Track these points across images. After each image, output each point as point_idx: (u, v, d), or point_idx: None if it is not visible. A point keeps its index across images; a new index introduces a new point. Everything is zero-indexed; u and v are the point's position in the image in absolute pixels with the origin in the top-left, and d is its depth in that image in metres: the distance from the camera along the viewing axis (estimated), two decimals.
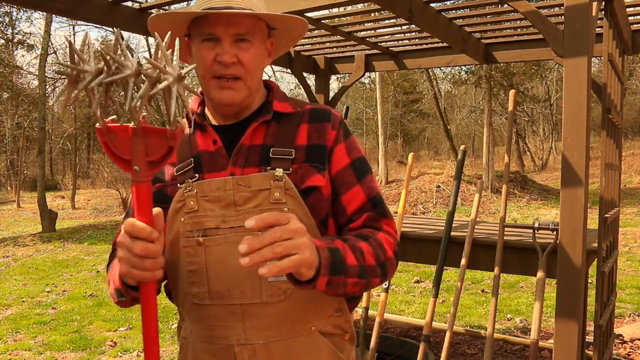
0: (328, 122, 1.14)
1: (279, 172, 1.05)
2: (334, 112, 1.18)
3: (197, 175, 1.10)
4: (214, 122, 1.17)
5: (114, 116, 0.86)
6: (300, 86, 5.04)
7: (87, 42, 0.78)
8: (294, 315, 1.07)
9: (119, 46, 0.78)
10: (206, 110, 1.18)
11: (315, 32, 3.74)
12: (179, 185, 1.10)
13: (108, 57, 0.77)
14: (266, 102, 1.16)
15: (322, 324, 1.11)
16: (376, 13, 3.55)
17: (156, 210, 0.88)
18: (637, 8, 3.05)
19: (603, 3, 2.42)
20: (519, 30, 3.73)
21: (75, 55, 0.77)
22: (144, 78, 0.79)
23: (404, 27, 4.02)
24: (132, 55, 0.78)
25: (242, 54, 1.06)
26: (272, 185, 1.05)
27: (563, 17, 2.25)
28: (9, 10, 15.18)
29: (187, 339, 1.16)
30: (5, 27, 16.02)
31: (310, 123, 1.14)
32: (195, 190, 1.07)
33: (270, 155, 1.08)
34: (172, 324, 4.80)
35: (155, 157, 0.84)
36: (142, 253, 0.86)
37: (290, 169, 1.07)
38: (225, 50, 1.05)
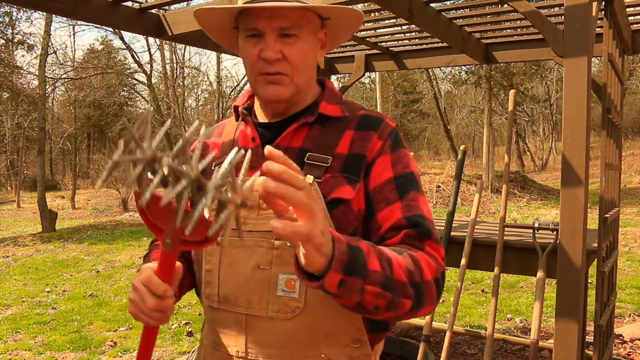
0: (374, 131, 1.04)
1: (309, 179, 0.98)
2: (387, 120, 1.07)
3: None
4: (261, 119, 1.11)
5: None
6: None
7: (146, 121, 0.69)
8: (302, 337, 0.99)
9: (182, 151, 0.69)
10: (255, 105, 1.13)
11: None
12: None
13: (166, 164, 0.68)
14: (314, 102, 1.08)
15: (335, 354, 1.00)
16: (376, 13, 3.55)
17: (176, 265, 0.87)
18: (637, 8, 3.05)
19: (603, 3, 2.42)
20: (519, 30, 3.73)
21: (133, 141, 0.69)
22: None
23: (404, 27, 4.02)
24: (192, 158, 0.69)
25: (288, 50, 0.99)
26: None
27: (563, 17, 2.25)
28: (9, 10, 15.18)
29: (202, 341, 1.13)
30: (5, 27, 16.02)
31: (357, 130, 1.04)
32: None
33: (305, 160, 1.01)
34: (172, 324, 4.80)
35: (190, 239, 0.79)
36: (153, 309, 0.87)
37: (323, 177, 0.99)
38: (269, 45, 0.98)
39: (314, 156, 1.01)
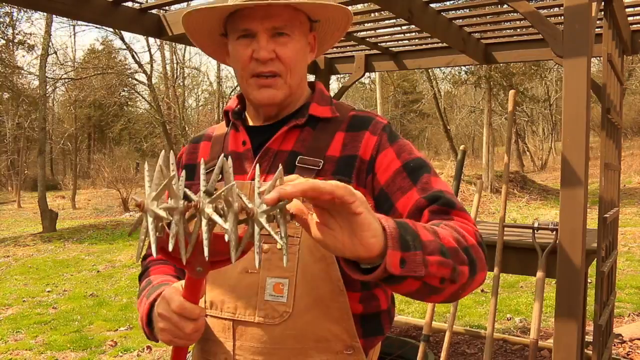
0: (365, 130, 1.02)
1: None
2: (378, 118, 1.06)
3: (221, 175, 1.04)
4: (251, 123, 1.10)
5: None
6: None
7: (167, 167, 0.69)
8: (291, 344, 0.96)
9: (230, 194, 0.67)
10: (246, 110, 1.12)
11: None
12: None
13: (207, 216, 0.66)
14: (304, 104, 1.07)
15: None
16: (376, 13, 3.55)
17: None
18: (636, 8, 3.06)
19: (602, 3, 2.43)
20: (518, 30, 3.73)
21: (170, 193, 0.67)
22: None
23: (404, 28, 4.03)
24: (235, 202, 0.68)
25: (281, 49, 0.99)
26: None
27: (563, 17, 2.26)
28: (9, 11, 15.19)
29: (195, 346, 1.10)
30: (6, 27, 16.03)
31: (347, 131, 1.03)
32: None
33: (296, 164, 1.00)
34: None
35: (217, 259, 0.78)
36: (192, 332, 0.88)
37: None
38: (262, 45, 0.98)
39: (305, 159, 1.00)
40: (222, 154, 1.03)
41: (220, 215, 0.67)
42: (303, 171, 0.98)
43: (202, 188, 0.68)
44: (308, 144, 1.02)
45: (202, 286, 0.86)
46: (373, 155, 0.99)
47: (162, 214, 0.65)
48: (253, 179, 0.97)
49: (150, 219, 0.65)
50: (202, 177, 0.70)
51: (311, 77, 4.67)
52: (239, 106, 1.13)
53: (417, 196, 0.93)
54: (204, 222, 0.67)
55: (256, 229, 0.66)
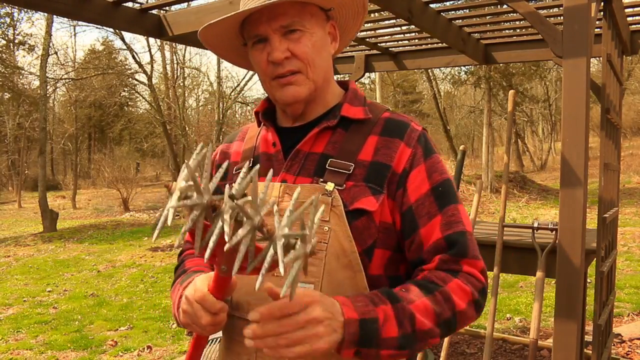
0: (400, 139, 0.99)
1: (330, 186, 0.96)
2: (414, 125, 1.02)
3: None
4: (282, 124, 1.09)
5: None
6: None
7: (204, 159, 0.69)
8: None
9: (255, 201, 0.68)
10: (276, 112, 1.11)
11: None
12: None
13: (229, 212, 0.67)
14: (336, 105, 1.05)
15: None
16: (376, 13, 3.56)
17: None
18: (636, 9, 3.06)
19: (602, 4, 2.43)
20: (518, 30, 3.74)
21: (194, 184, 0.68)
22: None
23: (404, 28, 4.03)
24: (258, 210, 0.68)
25: (295, 46, 0.97)
26: (320, 199, 0.96)
27: (562, 17, 2.26)
28: (10, 11, 15.19)
29: (221, 344, 1.11)
30: (7, 28, 16.03)
31: (382, 135, 1.00)
32: None
33: (327, 167, 0.98)
34: (172, 323, 4.81)
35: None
36: (208, 325, 0.89)
37: (344, 185, 0.96)
38: (275, 47, 0.97)
39: (336, 162, 0.98)
40: (250, 160, 1.06)
41: (238, 222, 0.68)
42: (333, 175, 0.97)
43: (228, 191, 0.69)
44: (339, 146, 1.00)
45: (228, 284, 0.86)
46: (406, 169, 0.97)
47: (184, 203, 0.67)
48: (283, 181, 0.99)
49: (197, 213, 0.67)
50: (238, 178, 0.71)
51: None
52: (268, 106, 1.12)
53: (439, 234, 0.95)
54: (220, 224, 0.67)
55: (271, 250, 0.67)
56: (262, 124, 1.10)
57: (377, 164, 0.97)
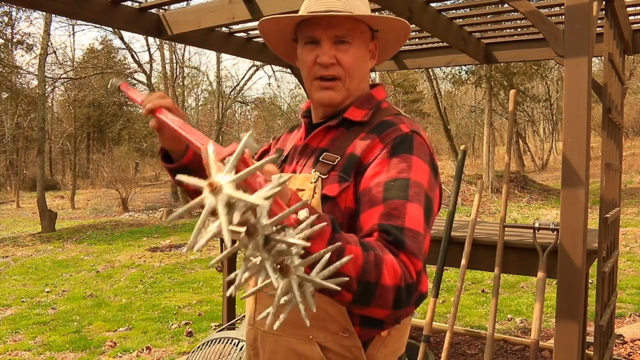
0: (378, 135, 1.07)
1: (315, 175, 1.08)
2: (402, 126, 1.08)
3: (281, 168, 1.19)
4: (314, 121, 1.21)
5: None
6: (301, 86, 5.03)
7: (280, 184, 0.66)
8: (291, 317, 1.01)
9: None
10: (312, 108, 1.24)
11: None
12: None
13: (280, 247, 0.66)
14: (346, 106, 1.15)
15: (323, 338, 1.05)
16: (376, 12, 3.54)
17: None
18: (637, 8, 3.05)
19: (603, 3, 2.41)
20: (519, 30, 3.72)
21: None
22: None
23: None
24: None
25: (341, 55, 1.09)
26: (307, 187, 1.07)
27: (563, 16, 2.24)
28: (8, 10, 15.18)
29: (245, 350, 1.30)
30: (5, 27, 16.01)
31: (368, 133, 1.09)
32: None
33: (320, 159, 1.11)
34: (172, 324, 4.80)
35: None
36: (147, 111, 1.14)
37: (328, 175, 1.07)
38: (325, 51, 1.09)
39: (327, 155, 1.10)
40: (281, 152, 1.24)
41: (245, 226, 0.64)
42: (322, 166, 1.09)
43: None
44: (336, 143, 1.12)
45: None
46: (370, 161, 1.04)
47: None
48: (294, 172, 1.13)
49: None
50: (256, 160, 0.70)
51: None
52: (310, 105, 1.24)
53: (376, 220, 0.94)
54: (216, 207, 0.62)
55: (283, 284, 0.67)
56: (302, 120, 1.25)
57: (350, 155, 1.07)
